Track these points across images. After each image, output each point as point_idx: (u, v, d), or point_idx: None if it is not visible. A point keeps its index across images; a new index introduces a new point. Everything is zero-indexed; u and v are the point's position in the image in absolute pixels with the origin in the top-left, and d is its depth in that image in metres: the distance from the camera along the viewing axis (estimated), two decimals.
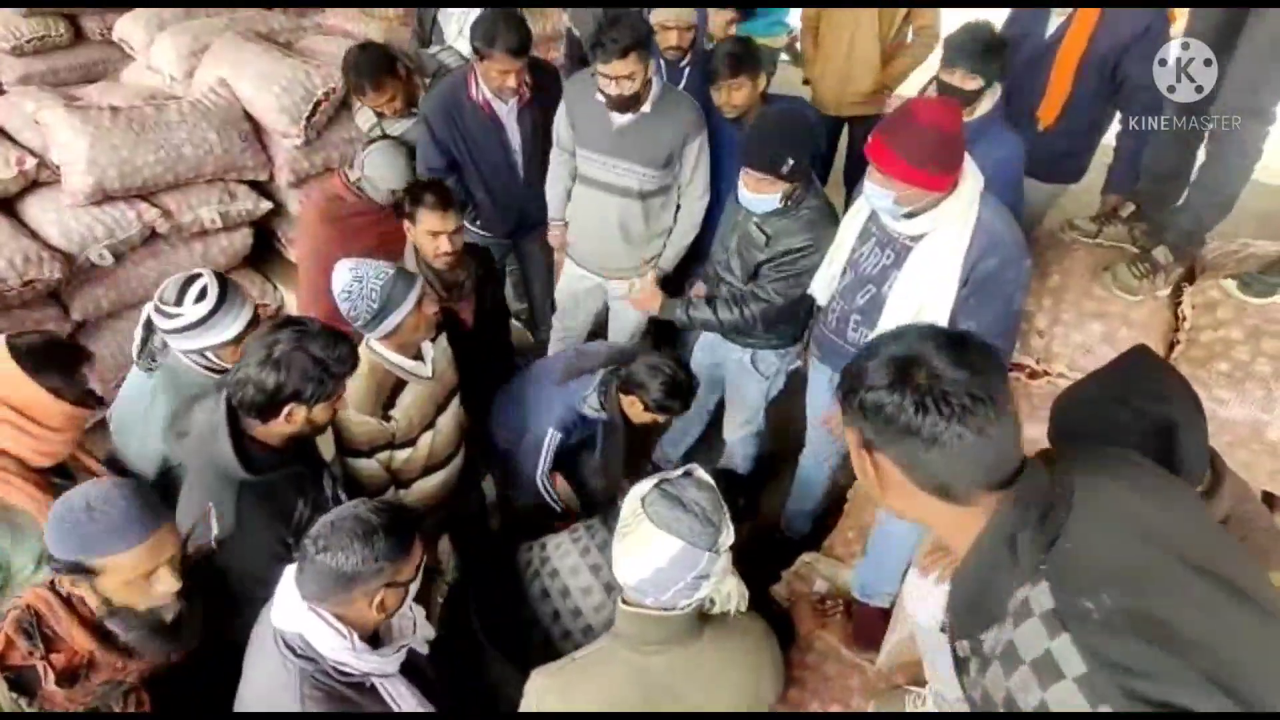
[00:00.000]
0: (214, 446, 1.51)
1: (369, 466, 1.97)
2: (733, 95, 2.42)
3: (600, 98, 2.38)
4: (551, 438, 2.26)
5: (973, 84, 2.31)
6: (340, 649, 1.28)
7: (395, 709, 1.35)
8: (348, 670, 1.30)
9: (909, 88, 3.21)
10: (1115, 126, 2.71)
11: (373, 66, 2.63)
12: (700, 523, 1.18)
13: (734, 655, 1.30)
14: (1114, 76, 2.56)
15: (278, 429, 1.57)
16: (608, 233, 2.62)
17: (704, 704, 1.26)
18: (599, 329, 3.03)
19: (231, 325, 1.75)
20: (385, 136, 2.72)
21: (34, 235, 2.87)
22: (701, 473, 1.27)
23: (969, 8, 3.32)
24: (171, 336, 1.74)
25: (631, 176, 2.50)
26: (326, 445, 1.97)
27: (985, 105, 2.40)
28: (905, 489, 0.90)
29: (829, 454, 2.63)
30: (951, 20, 3.23)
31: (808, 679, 2.16)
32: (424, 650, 1.53)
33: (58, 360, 1.50)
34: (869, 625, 2.23)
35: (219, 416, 1.53)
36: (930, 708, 1.97)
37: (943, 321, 1.96)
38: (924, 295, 1.95)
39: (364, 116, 2.82)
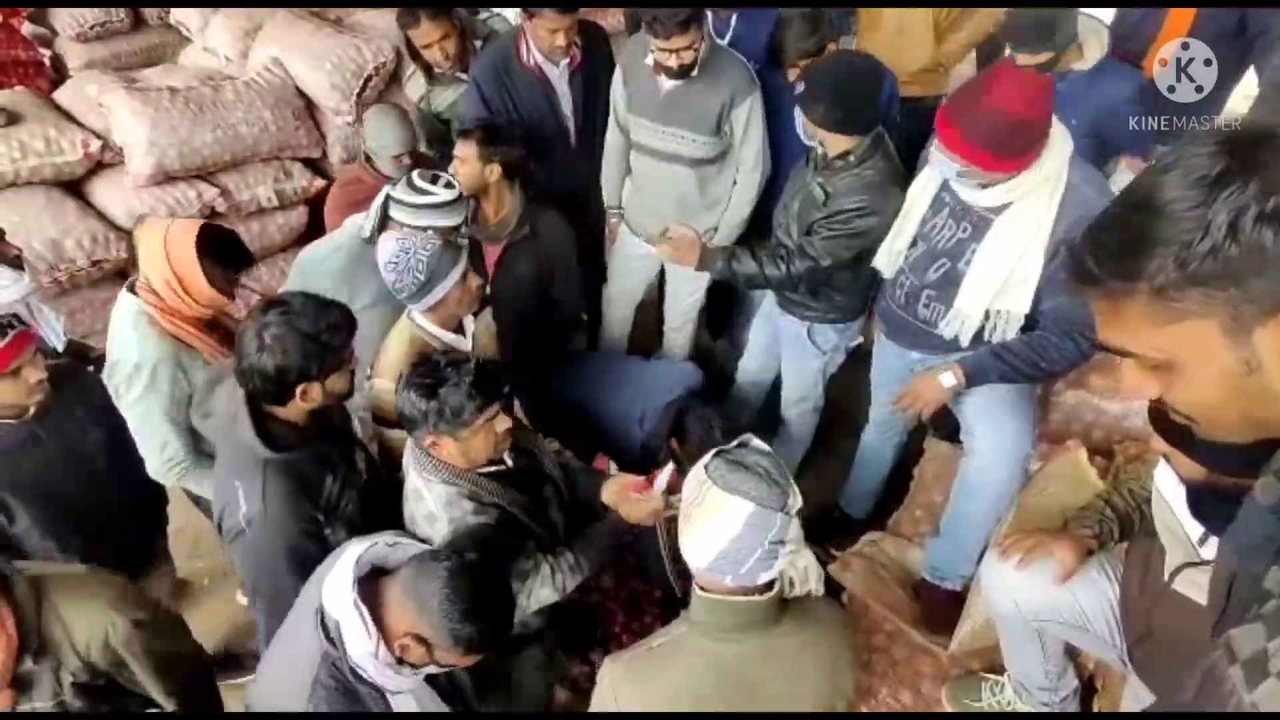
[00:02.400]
0: (236, 428, 1.52)
1: (404, 438, 1.95)
2: (801, 75, 2.31)
3: (650, 61, 2.31)
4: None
5: (1041, 59, 2.22)
6: (364, 654, 1.27)
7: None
8: (364, 676, 1.30)
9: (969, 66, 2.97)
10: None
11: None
12: (767, 483, 1.14)
13: (812, 644, 1.24)
14: (1242, 28, 2.33)
15: (300, 407, 1.56)
16: (663, 201, 2.55)
17: (782, 695, 1.20)
18: (649, 296, 2.97)
19: (456, 215, 2.13)
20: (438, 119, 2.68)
21: (100, 216, 2.94)
22: (757, 441, 1.23)
23: (1018, 7, 3.09)
24: (411, 210, 2.08)
25: (683, 143, 2.42)
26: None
27: (1092, 51, 2.28)
28: None
29: (895, 430, 2.52)
30: None
31: (875, 662, 2.09)
32: None
33: (225, 256, 1.83)
34: (940, 608, 2.14)
35: (238, 399, 1.52)
36: (1009, 696, 1.88)
37: (1027, 300, 1.83)
38: (1006, 270, 1.81)
39: (414, 86, 2.78)
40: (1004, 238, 1.79)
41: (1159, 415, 1.36)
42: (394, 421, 1.92)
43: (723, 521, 1.12)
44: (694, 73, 2.29)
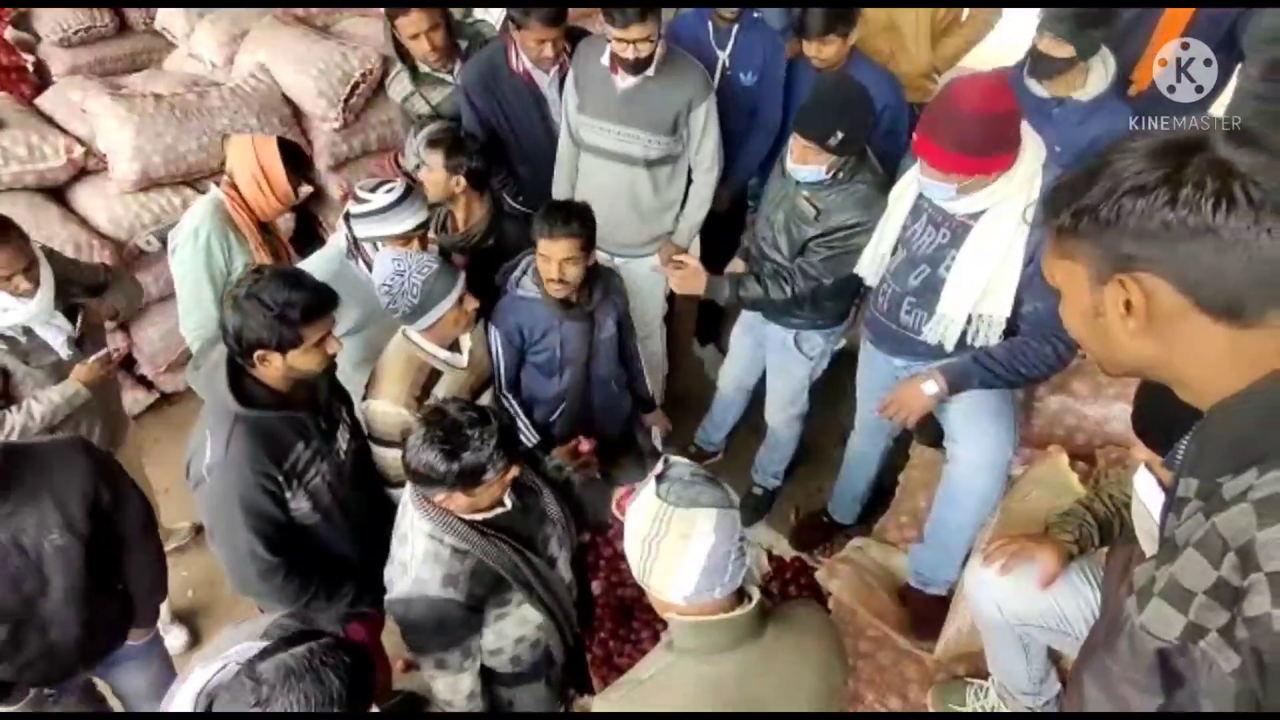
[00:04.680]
0: (214, 379, 1.60)
1: (400, 458, 1.92)
2: (823, 50, 2.37)
3: (605, 61, 2.33)
4: (494, 337, 2.17)
5: (1061, 51, 2.19)
6: None
7: None
8: None
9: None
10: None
11: None
12: (713, 487, 1.16)
13: (802, 648, 1.24)
14: (1231, 40, 2.35)
15: (267, 373, 1.61)
16: (616, 205, 2.54)
17: (779, 704, 1.20)
18: None
19: (402, 222, 2.10)
20: (429, 115, 2.67)
21: (84, 223, 2.92)
22: (675, 457, 1.23)
23: (1013, 7, 3.12)
24: (357, 221, 2.12)
25: (636, 143, 2.43)
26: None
27: (1095, 82, 2.27)
28: (1173, 316, 0.74)
29: (881, 437, 2.54)
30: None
31: (862, 668, 2.09)
32: None
33: (296, 159, 2.24)
34: (926, 613, 2.16)
35: (221, 353, 1.62)
36: (993, 700, 1.89)
37: (1007, 305, 1.86)
38: (986, 276, 1.84)
39: (397, 87, 2.76)
40: (982, 244, 1.81)
41: (1141, 420, 1.38)
42: (391, 442, 1.91)
43: (697, 539, 1.11)
44: (651, 70, 2.31)
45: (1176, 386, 0.81)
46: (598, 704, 1.24)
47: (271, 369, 1.60)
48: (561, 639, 1.79)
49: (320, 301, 1.61)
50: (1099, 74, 2.26)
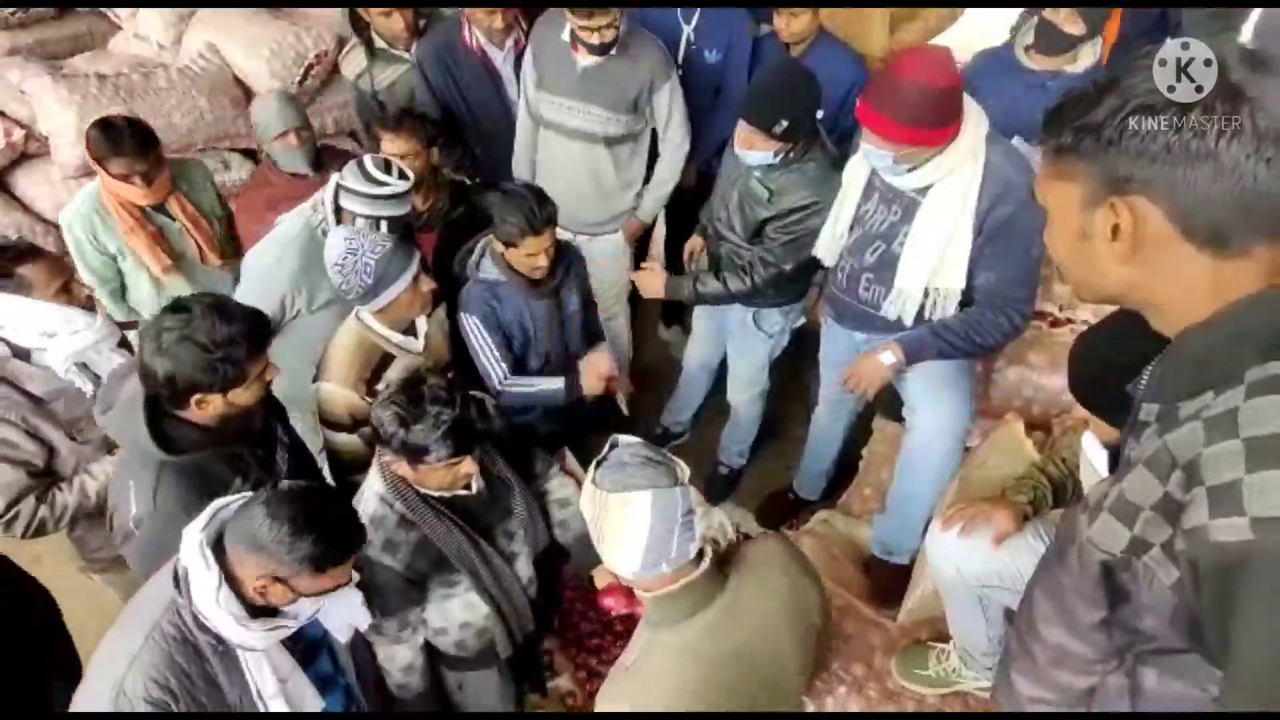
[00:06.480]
0: (132, 423, 1.44)
1: (350, 442, 1.88)
2: (792, 23, 2.39)
3: (565, 37, 2.31)
4: (472, 326, 2.07)
5: (1075, 28, 2.21)
6: (206, 597, 1.23)
7: (249, 682, 1.31)
8: (206, 624, 1.25)
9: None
10: None
11: None
12: (650, 467, 1.15)
13: (765, 584, 1.25)
14: (1163, 23, 2.43)
15: (202, 414, 1.47)
16: (577, 182, 2.52)
17: (761, 642, 1.21)
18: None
19: (408, 204, 2.06)
20: (374, 96, 2.62)
21: (26, 209, 2.82)
22: (624, 437, 1.24)
23: (975, 7, 3.16)
24: (365, 200, 1.98)
25: (596, 121, 2.41)
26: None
27: (1088, 59, 2.31)
28: (1159, 243, 0.73)
29: (844, 411, 2.57)
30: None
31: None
32: (343, 637, 1.48)
33: (119, 140, 2.13)
34: (889, 582, 2.19)
35: (137, 394, 1.44)
36: (954, 662, 1.93)
37: (961, 276, 1.89)
38: (938, 249, 1.87)
39: (350, 64, 2.71)
40: (932, 218, 1.84)
41: (1076, 388, 1.42)
42: (341, 424, 1.89)
43: (632, 520, 1.13)
44: (613, 50, 2.29)
45: (1151, 313, 0.81)
46: (600, 701, 1.26)
47: (207, 410, 1.46)
48: (508, 634, 1.76)
49: (260, 330, 1.48)
50: (1089, 49, 2.31)
